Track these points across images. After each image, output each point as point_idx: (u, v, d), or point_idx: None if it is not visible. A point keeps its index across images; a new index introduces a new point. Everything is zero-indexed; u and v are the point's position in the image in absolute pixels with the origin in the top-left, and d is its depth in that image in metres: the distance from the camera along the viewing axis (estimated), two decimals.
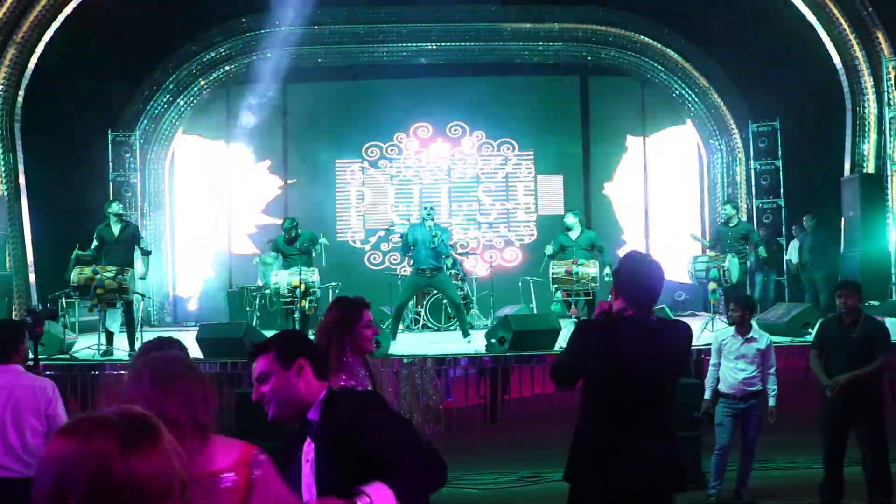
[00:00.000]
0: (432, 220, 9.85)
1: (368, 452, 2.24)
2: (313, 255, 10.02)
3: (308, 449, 2.49)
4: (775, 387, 6.29)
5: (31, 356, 5.18)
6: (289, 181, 15.34)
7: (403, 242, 9.91)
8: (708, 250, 10.94)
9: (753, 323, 6.63)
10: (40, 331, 5.39)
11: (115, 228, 9.43)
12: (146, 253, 9.79)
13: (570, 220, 10.28)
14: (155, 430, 1.36)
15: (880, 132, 12.85)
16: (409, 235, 9.85)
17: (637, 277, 3.50)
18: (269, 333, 9.43)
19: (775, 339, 8.74)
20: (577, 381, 3.63)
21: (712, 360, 6.54)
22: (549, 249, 10.10)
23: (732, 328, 6.51)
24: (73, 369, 8.49)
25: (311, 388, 2.48)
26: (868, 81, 12.91)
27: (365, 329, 3.67)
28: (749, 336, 6.37)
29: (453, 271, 11.88)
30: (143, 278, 10.04)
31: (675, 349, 3.53)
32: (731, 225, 10.68)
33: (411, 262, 9.98)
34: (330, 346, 3.57)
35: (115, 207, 9.53)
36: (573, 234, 10.17)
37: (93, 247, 9.35)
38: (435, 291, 10.77)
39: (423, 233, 9.70)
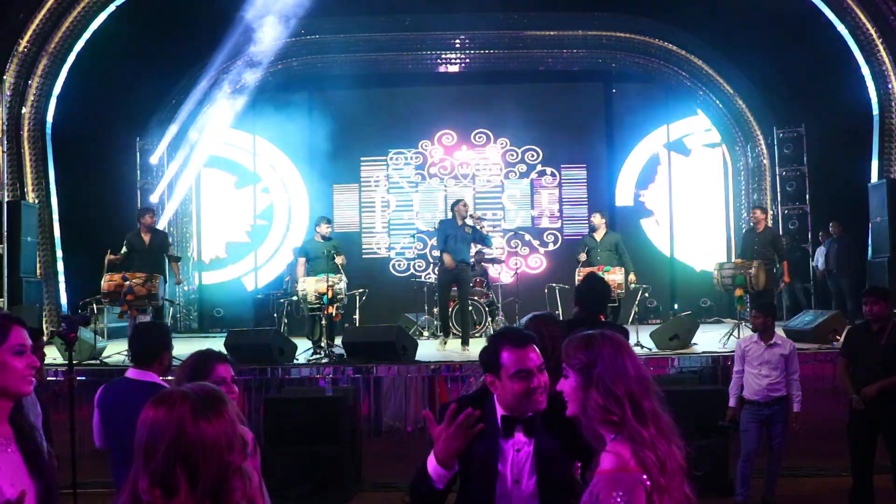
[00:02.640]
0: (470, 215, 10.04)
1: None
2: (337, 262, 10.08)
3: (521, 440, 2.66)
4: (799, 392, 6.27)
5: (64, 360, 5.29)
6: (314, 188, 15.43)
7: (439, 240, 10.14)
8: (734, 257, 10.91)
9: (778, 329, 6.62)
10: (74, 336, 5.48)
11: (146, 237, 9.59)
12: (175, 259, 9.96)
13: (596, 220, 10.35)
14: (222, 402, 1.80)
15: None
16: (440, 232, 10.05)
17: (591, 291, 5.00)
18: (296, 340, 9.56)
19: (802, 346, 8.74)
20: None
21: (735, 367, 6.53)
22: (581, 256, 10.25)
23: (755, 335, 6.52)
24: (103, 374, 8.60)
25: None
26: (895, 86, 12.80)
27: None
28: (772, 342, 6.36)
29: (479, 278, 11.92)
30: (179, 283, 10.22)
31: None
32: (758, 230, 10.61)
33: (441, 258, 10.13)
34: None
35: (148, 218, 9.72)
36: (598, 235, 10.25)
37: (121, 253, 9.50)
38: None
39: (453, 227, 9.86)
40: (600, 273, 9.53)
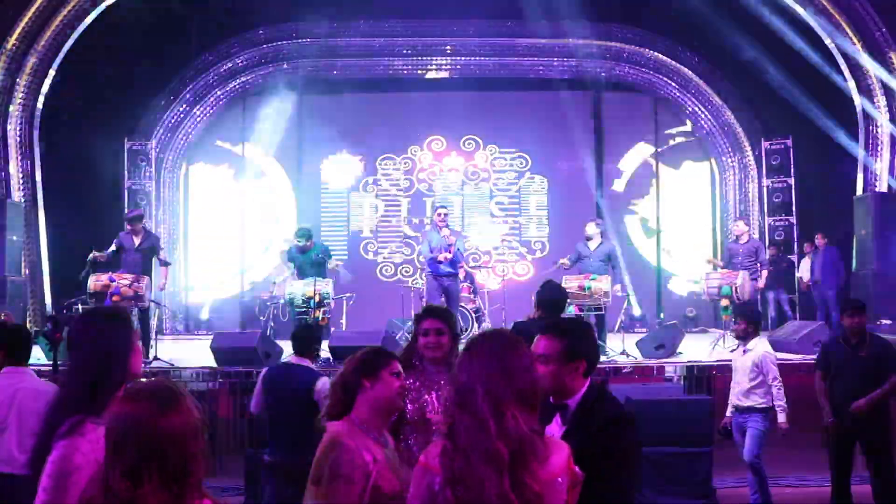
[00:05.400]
0: (447, 226, 9.96)
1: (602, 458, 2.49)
2: (327, 266, 10.07)
3: (554, 428, 2.75)
4: (782, 401, 6.18)
5: (49, 360, 5.28)
6: (303, 192, 15.41)
7: (427, 250, 10.07)
8: (720, 268, 10.96)
9: (762, 338, 6.66)
10: (60, 336, 5.44)
11: (136, 237, 9.56)
12: (165, 264, 9.91)
13: (591, 229, 10.32)
14: (180, 395, 1.97)
15: (893, 151, 12.85)
16: (427, 243, 10.01)
17: (551, 295, 5.64)
18: (282, 343, 9.55)
19: (786, 356, 8.78)
20: None
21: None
22: (565, 262, 10.22)
23: (739, 342, 6.59)
24: None
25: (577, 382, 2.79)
26: (881, 100, 12.92)
27: (421, 336, 3.89)
28: (746, 348, 6.41)
29: (465, 284, 11.91)
30: (162, 289, 10.14)
31: None
32: (741, 241, 10.67)
33: (428, 267, 10.07)
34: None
35: (137, 218, 9.70)
36: (592, 244, 10.22)
37: (109, 251, 9.43)
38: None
39: (437, 239, 9.80)
40: (587, 281, 9.57)
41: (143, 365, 2.68)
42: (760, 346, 6.47)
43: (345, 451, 2.60)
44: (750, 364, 6.31)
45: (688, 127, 15.50)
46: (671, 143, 15.65)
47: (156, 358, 9.07)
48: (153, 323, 10.04)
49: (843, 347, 6.02)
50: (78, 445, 2.37)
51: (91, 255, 9.35)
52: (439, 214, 10.12)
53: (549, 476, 2.14)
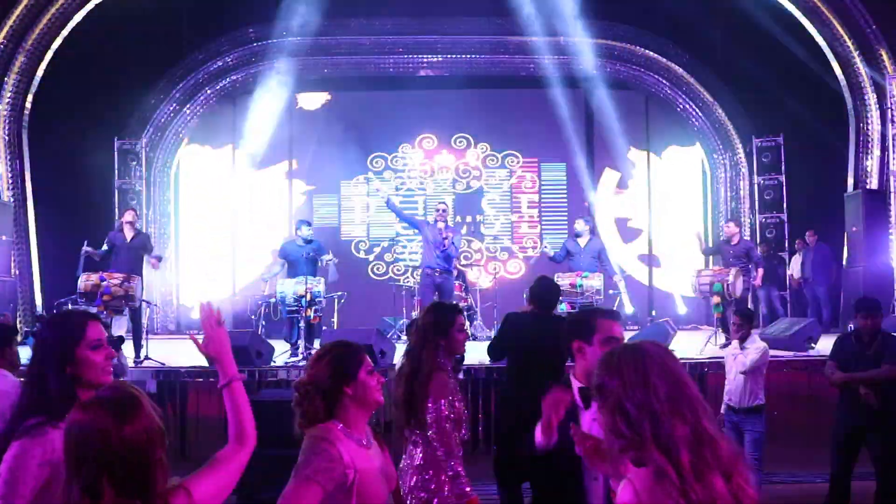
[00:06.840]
0: (444, 222, 9.93)
1: None
2: (319, 265, 10.04)
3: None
4: (749, 360, 6.27)
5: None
6: (293, 191, 15.38)
7: (408, 222, 10.16)
8: (711, 264, 10.96)
9: (754, 334, 6.65)
10: None
11: (128, 235, 9.54)
12: (158, 258, 9.92)
13: (580, 226, 10.32)
14: (138, 401, 1.93)
15: (883, 148, 12.90)
16: (418, 228, 10.07)
17: (542, 290, 5.70)
18: (274, 342, 9.49)
19: (777, 353, 8.79)
20: (503, 356, 5.74)
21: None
22: (550, 252, 10.24)
23: (736, 341, 6.57)
24: None
25: None
26: (871, 98, 12.97)
27: (457, 333, 3.92)
28: (743, 346, 6.41)
29: (458, 282, 11.91)
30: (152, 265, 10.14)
31: (559, 332, 4.84)
32: (732, 243, 10.64)
33: (421, 260, 10.11)
34: (424, 347, 3.86)
35: (129, 216, 9.70)
36: (582, 241, 10.21)
37: (102, 250, 9.43)
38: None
39: (433, 233, 9.76)
40: (579, 279, 9.58)
41: (109, 371, 2.65)
42: (758, 341, 6.47)
43: (325, 459, 2.53)
44: (745, 361, 6.32)
45: (679, 124, 15.50)
46: (662, 140, 15.65)
47: (147, 357, 9.03)
48: (144, 322, 10.00)
49: (854, 345, 6.01)
50: (29, 448, 2.36)
51: (83, 250, 9.31)
52: (438, 210, 10.11)
53: (753, 490, 1.90)
